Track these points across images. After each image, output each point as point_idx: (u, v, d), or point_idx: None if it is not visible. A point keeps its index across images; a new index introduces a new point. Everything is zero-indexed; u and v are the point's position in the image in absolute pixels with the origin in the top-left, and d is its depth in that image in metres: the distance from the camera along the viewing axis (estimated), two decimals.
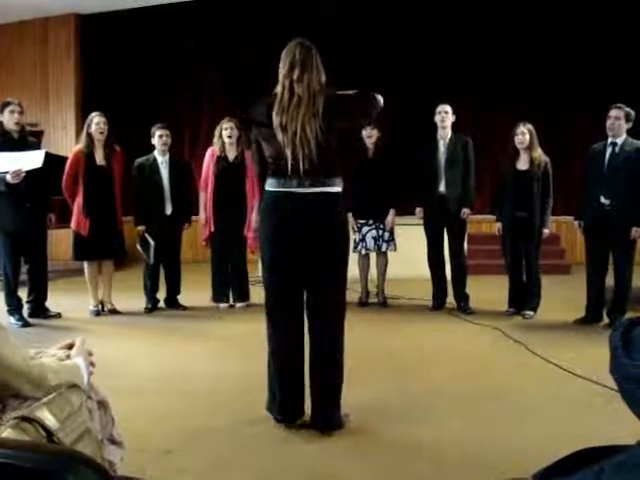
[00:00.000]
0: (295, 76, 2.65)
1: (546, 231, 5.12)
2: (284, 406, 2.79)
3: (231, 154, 5.56)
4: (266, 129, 2.72)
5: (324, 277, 2.75)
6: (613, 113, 4.66)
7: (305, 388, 2.82)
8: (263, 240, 2.83)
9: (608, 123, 4.67)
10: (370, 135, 5.52)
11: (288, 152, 2.64)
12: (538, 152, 5.07)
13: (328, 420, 2.76)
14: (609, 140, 4.73)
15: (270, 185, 2.75)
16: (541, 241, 5.13)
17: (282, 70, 2.71)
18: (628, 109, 4.67)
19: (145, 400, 3.18)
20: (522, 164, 5.10)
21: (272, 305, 2.82)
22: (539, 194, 5.03)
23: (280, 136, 2.65)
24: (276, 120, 2.65)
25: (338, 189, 2.73)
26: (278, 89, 2.70)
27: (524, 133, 5.04)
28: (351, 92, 2.73)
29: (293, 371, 2.79)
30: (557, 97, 8.32)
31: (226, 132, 5.50)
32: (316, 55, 2.73)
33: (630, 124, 4.68)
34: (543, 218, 5.06)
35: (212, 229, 5.58)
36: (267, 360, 2.85)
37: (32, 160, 4.77)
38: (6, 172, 4.67)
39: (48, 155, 5.02)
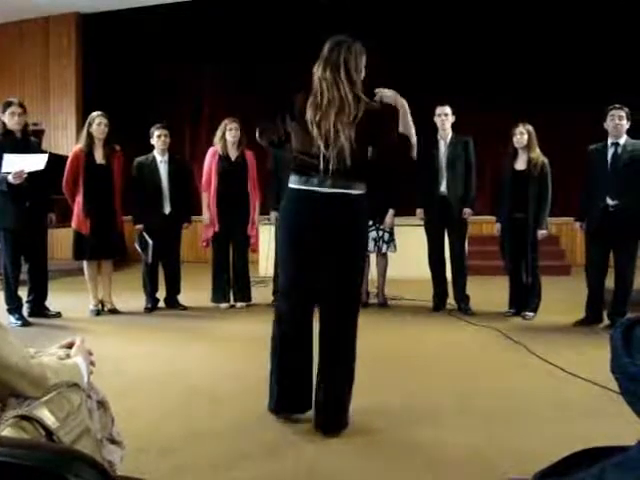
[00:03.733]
0: (319, 73, 2.66)
1: (542, 232, 5.07)
2: (285, 395, 2.78)
3: (233, 154, 5.55)
4: (296, 122, 2.70)
5: (339, 279, 2.72)
6: (617, 114, 4.61)
7: (309, 390, 2.81)
8: (281, 237, 2.84)
9: (612, 125, 4.62)
10: None
11: (317, 149, 2.61)
12: (536, 152, 5.05)
13: (334, 421, 2.73)
14: (610, 141, 4.69)
15: (292, 182, 2.74)
16: (538, 242, 5.10)
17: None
18: (626, 109, 4.64)
19: (145, 400, 3.18)
20: (520, 164, 5.09)
21: (284, 304, 2.82)
22: (536, 195, 5.01)
23: (315, 131, 2.62)
24: (309, 113, 2.64)
25: (361, 191, 2.70)
26: (314, 83, 2.69)
27: (522, 133, 5.04)
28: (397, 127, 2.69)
29: (298, 363, 2.78)
30: (557, 98, 8.32)
31: (230, 132, 5.50)
32: (346, 53, 2.64)
33: (629, 123, 4.66)
34: (539, 219, 5.05)
35: (216, 229, 5.58)
36: (270, 356, 2.83)
37: (35, 162, 4.79)
38: (8, 172, 4.69)
39: (49, 155, 5.03)
